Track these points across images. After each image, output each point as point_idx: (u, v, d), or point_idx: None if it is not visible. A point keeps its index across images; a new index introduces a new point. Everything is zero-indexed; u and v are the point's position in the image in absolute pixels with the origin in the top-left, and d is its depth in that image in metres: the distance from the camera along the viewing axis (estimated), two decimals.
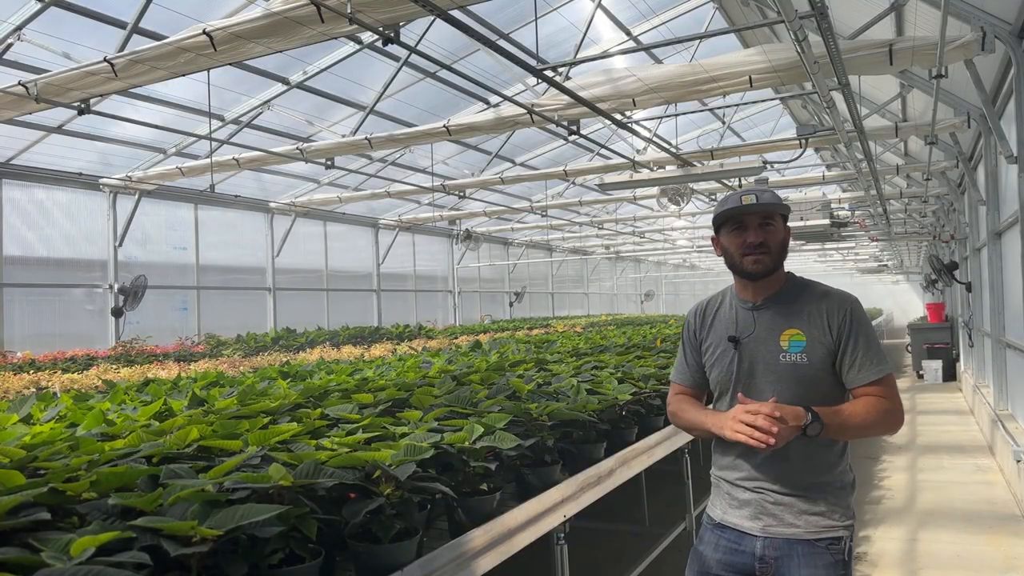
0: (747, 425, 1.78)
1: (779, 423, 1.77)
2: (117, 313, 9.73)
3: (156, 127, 7.52)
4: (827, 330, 1.96)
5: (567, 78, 6.36)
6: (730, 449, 2.04)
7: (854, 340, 1.95)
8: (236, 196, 11.54)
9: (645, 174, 8.75)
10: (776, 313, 2.01)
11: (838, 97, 5.98)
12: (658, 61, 9.04)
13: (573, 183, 13.56)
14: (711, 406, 2.14)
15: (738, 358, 2.02)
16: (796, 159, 8.57)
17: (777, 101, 9.54)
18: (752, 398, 1.93)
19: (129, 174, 9.67)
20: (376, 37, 4.47)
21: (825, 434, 1.85)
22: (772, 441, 1.76)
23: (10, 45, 6.44)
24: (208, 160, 8.52)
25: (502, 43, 5.69)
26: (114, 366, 6.29)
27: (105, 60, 5.27)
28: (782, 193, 12.76)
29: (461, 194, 12.29)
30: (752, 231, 1.98)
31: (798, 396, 1.92)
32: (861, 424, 1.90)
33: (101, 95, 6.27)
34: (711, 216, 2.13)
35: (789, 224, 2.12)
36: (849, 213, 13.69)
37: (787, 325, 1.98)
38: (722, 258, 2.09)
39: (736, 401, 1.93)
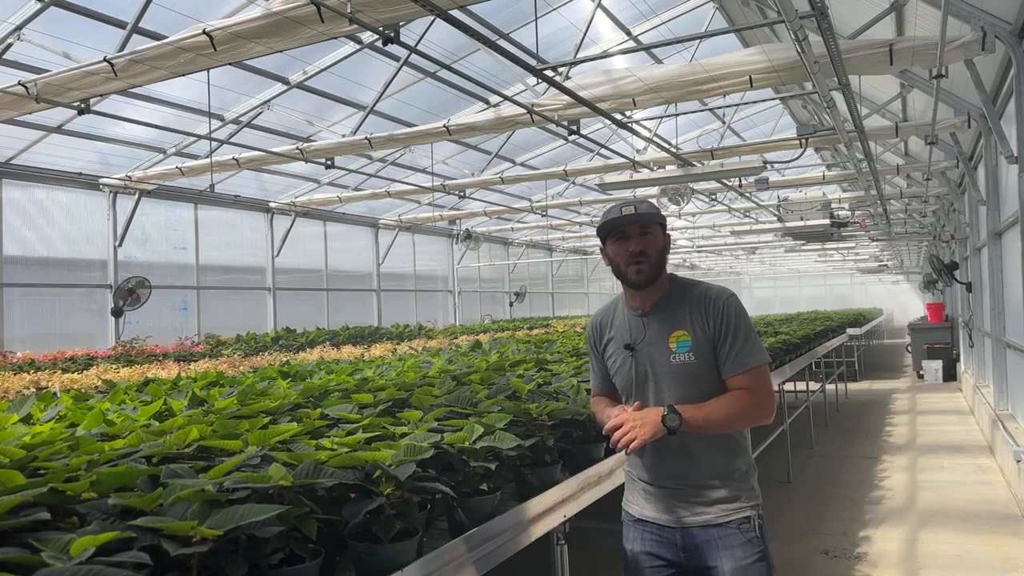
0: (613, 430, 1.96)
1: (636, 424, 1.91)
2: (117, 313, 9.73)
3: (156, 127, 7.52)
4: (706, 326, 2.08)
5: (567, 78, 6.36)
6: (641, 449, 2.12)
7: (727, 333, 2.06)
8: (236, 196, 11.54)
9: (645, 174, 8.75)
10: (663, 317, 2.13)
11: (838, 97, 5.98)
12: (658, 61, 9.04)
13: (573, 183, 13.56)
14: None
15: (635, 364, 2.14)
16: (796, 159, 8.58)
17: (777, 101, 9.54)
18: (651, 399, 2.10)
19: (129, 174, 9.67)
20: (376, 37, 4.47)
21: (687, 428, 1.95)
22: (630, 445, 1.90)
23: (10, 45, 6.44)
24: (208, 160, 8.52)
25: (502, 43, 5.68)
26: (114, 366, 6.28)
27: (105, 60, 5.27)
28: (782, 193, 12.77)
29: (461, 194, 12.29)
30: (633, 240, 2.10)
31: (691, 394, 2.05)
32: (725, 416, 2.01)
33: (101, 95, 6.27)
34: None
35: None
36: (849, 213, 13.70)
37: (674, 327, 2.10)
38: (610, 267, 2.21)
39: (639, 402, 2.08)
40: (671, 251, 21.90)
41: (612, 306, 2.29)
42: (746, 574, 2.02)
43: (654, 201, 2.25)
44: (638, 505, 2.19)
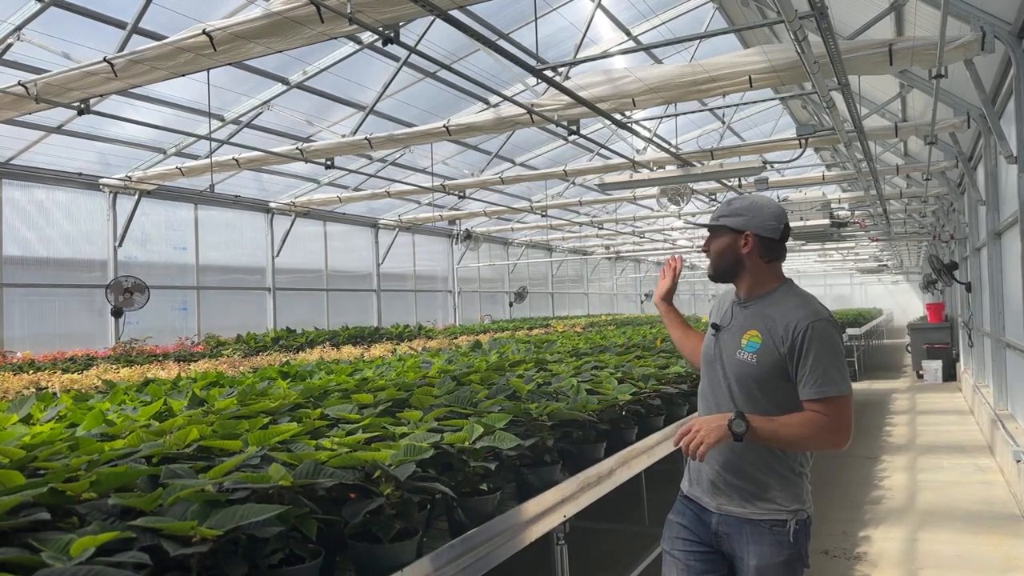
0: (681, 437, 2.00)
1: (702, 430, 1.96)
2: (117, 313, 9.73)
3: (156, 127, 7.52)
4: (781, 341, 2.09)
5: (567, 78, 6.36)
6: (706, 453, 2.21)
7: (805, 358, 2.06)
8: (236, 196, 11.53)
9: (645, 174, 8.75)
10: (751, 313, 2.21)
11: (838, 97, 5.98)
12: (658, 61, 9.04)
13: (573, 183, 13.56)
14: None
15: (714, 344, 2.26)
16: (796, 159, 8.57)
17: (777, 101, 9.53)
18: (715, 383, 2.21)
19: (129, 174, 9.67)
20: (376, 37, 4.47)
21: (751, 436, 1.97)
22: (694, 455, 1.95)
23: (10, 45, 6.43)
24: (208, 160, 8.52)
25: (502, 43, 5.68)
26: (114, 366, 6.28)
27: (105, 60, 5.27)
28: (782, 193, 12.77)
29: (461, 194, 12.29)
30: (707, 239, 2.32)
31: (744, 390, 2.13)
32: (793, 436, 2.04)
33: (101, 95, 6.27)
34: (708, 215, 2.32)
35: (789, 224, 2.25)
36: (849, 213, 13.69)
37: (752, 326, 2.17)
38: None
39: (707, 380, 2.26)
40: (675, 251, 21.48)
41: (732, 289, 2.41)
42: (769, 573, 2.08)
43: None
44: (688, 483, 2.31)
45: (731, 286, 2.36)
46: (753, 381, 2.11)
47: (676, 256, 2.68)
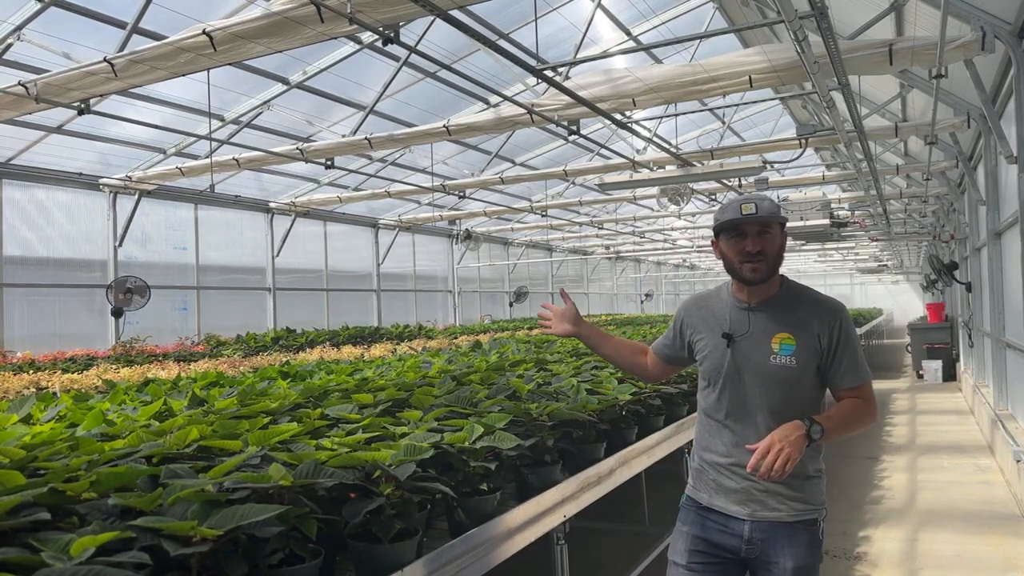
0: (761, 458, 1.92)
1: (785, 444, 1.91)
2: (117, 313, 9.72)
3: (156, 127, 7.52)
4: (817, 337, 2.10)
5: (567, 78, 6.36)
6: (720, 439, 2.20)
7: (842, 349, 2.12)
8: (236, 196, 11.53)
9: (645, 174, 8.74)
10: (770, 316, 2.14)
11: (838, 97, 5.98)
12: (658, 61, 9.04)
13: (573, 183, 13.55)
14: (699, 393, 2.29)
15: (731, 354, 2.15)
16: (796, 159, 8.57)
17: (777, 101, 9.54)
18: (740, 393, 2.14)
19: (129, 174, 9.67)
20: (376, 37, 4.47)
21: (825, 438, 1.99)
22: (786, 466, 1.89)
23: (10, 45, 6.44)
24: (208, 160, 8.52)
25: (502, 43, 5.68)
26: (114, 366, 6.28)
27: (105, 60, 5.27)
28: (782, 193, 12.77)
29: (461, 194, 12.29)
30: (751, 239, 2.09)
31: (782, 394, 2.10)
32: (847, 426, 2.11)
33: (101, 95, 6.27)
34: (712, 217, 2.22)
35: (789, 224, 2.22)
36: (849, 213, 13.69)
37: (779, 329, 2.12)
38: (721, 261, 2.21)
39: (725, 392, 2.16)
40: (675, 251, 21.47)
41: (714, 292, 2.31)
42: (804, 573, 2.08)
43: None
44: (707, 494, 2.20)
45: (707, 290, 2.34)
46: (794, 384, 2.09)
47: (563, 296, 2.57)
